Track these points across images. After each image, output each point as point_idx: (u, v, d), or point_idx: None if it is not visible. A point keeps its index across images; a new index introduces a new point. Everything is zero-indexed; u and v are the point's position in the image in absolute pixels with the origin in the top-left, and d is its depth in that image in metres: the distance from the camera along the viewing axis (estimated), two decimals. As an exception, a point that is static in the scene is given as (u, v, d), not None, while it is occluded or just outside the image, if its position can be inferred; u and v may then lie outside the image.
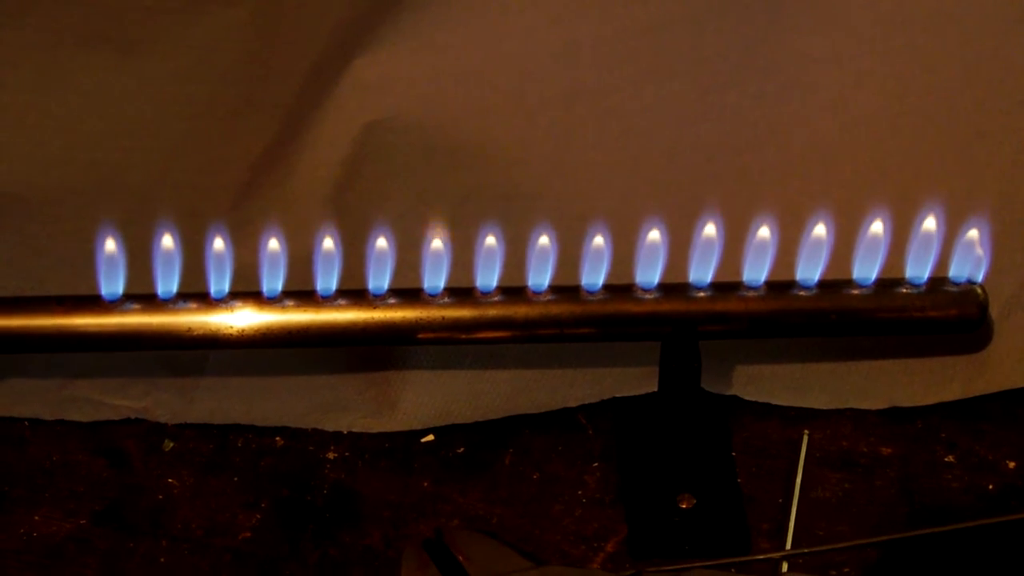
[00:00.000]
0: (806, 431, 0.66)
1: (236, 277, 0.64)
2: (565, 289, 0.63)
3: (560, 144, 0.66)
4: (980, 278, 0.64)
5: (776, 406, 0.67)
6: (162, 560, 0.62)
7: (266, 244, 0.64)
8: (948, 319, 0.63)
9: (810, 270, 0.63)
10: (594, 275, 0.63)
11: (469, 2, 0.64)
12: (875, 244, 0.63)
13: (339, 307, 0.63)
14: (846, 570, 0.61)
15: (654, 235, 0.62)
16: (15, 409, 0.68)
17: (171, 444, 0.67)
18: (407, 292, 0.63)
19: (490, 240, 0.63)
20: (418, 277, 0.64)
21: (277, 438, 0.67)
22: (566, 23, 0.64)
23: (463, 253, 0.64)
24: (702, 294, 0.63)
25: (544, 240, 0.63)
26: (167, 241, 0.63)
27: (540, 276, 0.63)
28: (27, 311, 0.63)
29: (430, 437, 0.67)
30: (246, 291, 0.63)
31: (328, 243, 0.64)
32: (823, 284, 0.63)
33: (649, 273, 0.63)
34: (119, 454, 0.66)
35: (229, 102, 0.65)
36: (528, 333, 0.63)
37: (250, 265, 0.64)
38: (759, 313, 0.63)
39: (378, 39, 0.64)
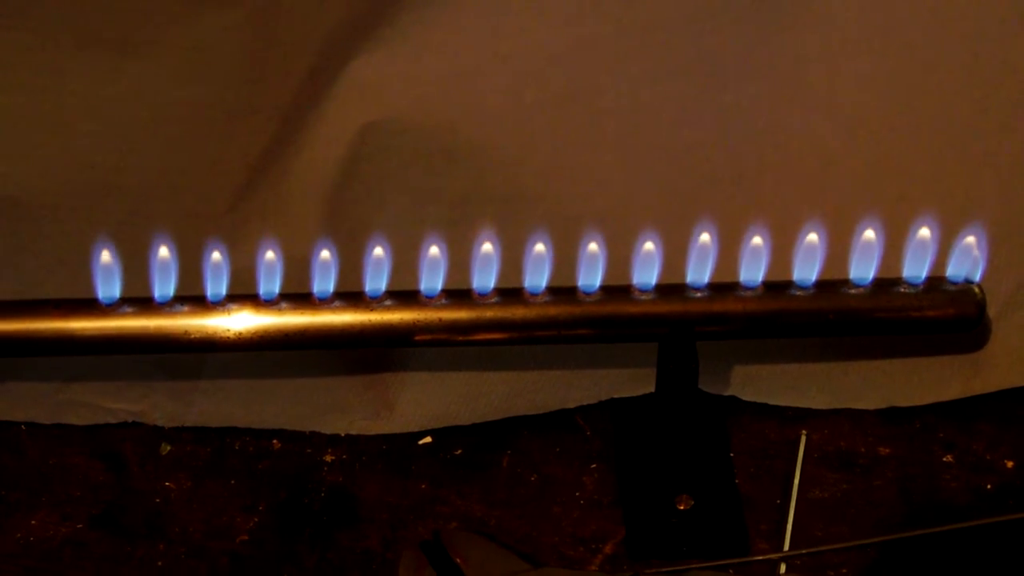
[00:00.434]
0: (804, 431, 0.66)
1: (233, 279, 0.64)
2: (562, 290, 0.63)
3: (557, 145, 0.66)
4: (978, 277, 0.64)
5: (774, 406, 0.67)
6: (159, 564, 0.62)
7: (263, 246, 0.64)
8: (946, 319, 0.63)
9: (807, 270, 0.63)
10: (591, 276, 0.63)
11: (466, 3, 0.64)
12: (873, 244, 0.63)
13: (336, 309, 0.63)
14: (844, 571, 0.61)
15: (651, 240, 0.62)
16: (12, 413, 0.68)
17: (168, 447, 0.67)
18: (404, 294, 0.63)
19: (487, 242, 0.63)
20: (415, 279, 0.63)
21: (274, 441, 0.67)
22: (563, 24, 0.64)
23: (460, 254, 0.63)
24: (699, 295, 0.63)
25: (541, 243, 0.63)
26: (164, 244, 0.63)
27: (537, 278, 0.63)
28: (24, 314, 0.63)
29: (428, 439, 0.67)
30: (243, 294, 0.63)
31: (325, 245, 0.64)
32: (821, 284, 0.63)
33: (646, 274, 0.63)
34: (116, 458, 0.66)
35: (226, 104, 0.65)
36: (525, 335, 0.63)
37: (247, 267, 0.64)
38: (756, 313, 0.63)
39: (375, 40, 0.64)
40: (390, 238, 0.65)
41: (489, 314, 0.63)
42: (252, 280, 0.64)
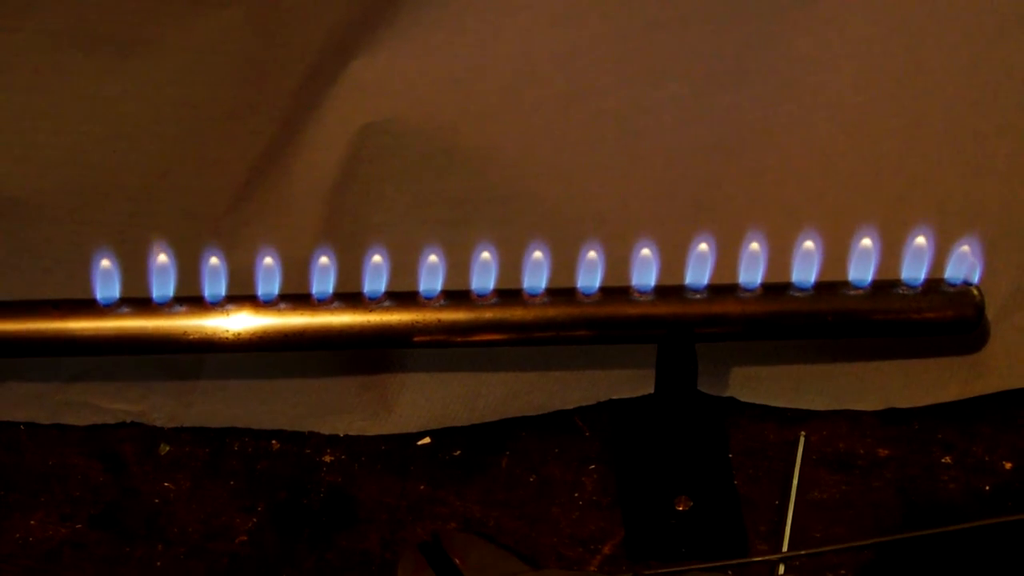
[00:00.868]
0: (803, 433, 0.66)
1: (232, 280, 0.64)
2: (561, 292, 0.63)
3: (557, 146, 0.66)
4: (976, 279, 0.64)
5: (773, 408, 0.67)
6: (158, 564, 0.62)
7: (262, 247, 0.64)
8: (944, 320, 0.63)
9: (806, 272, 0.63)
10: (590, 278, 0.63)
11: (466, 4, 0.64)
12: (871, 245, 0.63)
13: (335, 310, 0.63)
14: (843, 572, 0.61)
15: (650, 241, 0.62)
16: (11, 413, 0.68)
17: (167, 448, 0.67)
18: (403, 295, 0.63)
19: (486, 245, 0.63)
20: (414, 280, 0.63)
21: (273, 441, 0.67)
22: (563, 25, 0.64)
23: (459, 255, 0.64)
24: (698, 296, 0.63)
25: (540, 246, 0.63)
26: (163, 244, 0.63)
27: (536, 279, 0.63)
28: (23, 315, 0.63)
29: (427, 440, 0.67)
30: (242, 295, 0.63)
31: (324, 246, 0.64)
32: (819, 286, 0.63)
33: (645, 276, 0.63)
34: (115, 458, 0.66)
35: (226, 104, 0.65)
36: (524, 336, 0.63)
37: (246, 268, 0.64)
38: (755, 315, 0.63)
39: (375, 41, 0.64)
40: (389, 239, 0.65)
41: (488, 315, 0.63)
42: (251, 281, 0.64)
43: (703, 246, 0.62)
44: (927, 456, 0.65)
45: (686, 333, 0.62)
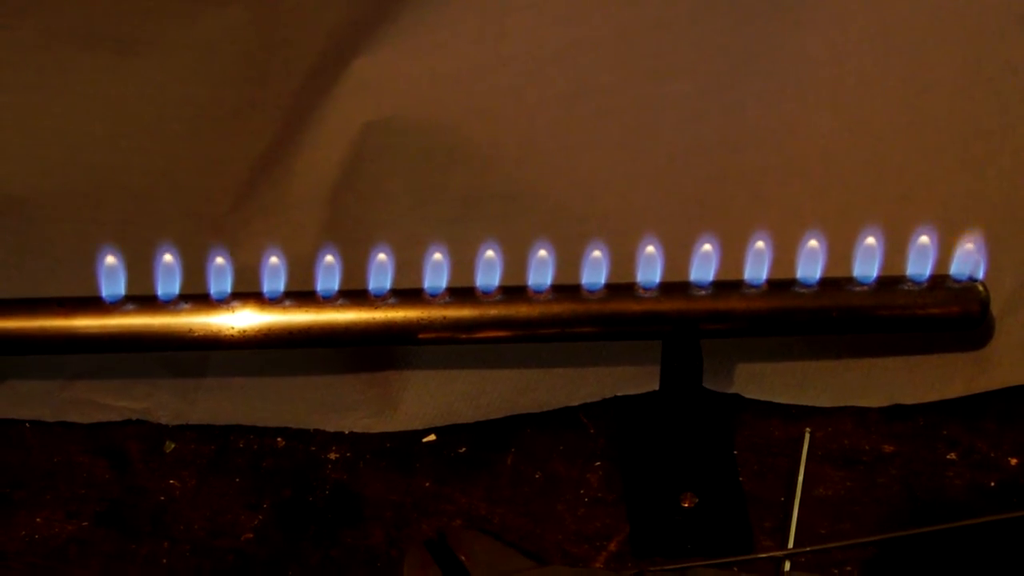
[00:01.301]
0: (808, 429, 0.66)
1: (236, 278, 0.64)
2: (566, 288, 0.63)
3: (560, 144, 0.66)
4: (981, 275, 0.64)
5: (778, 404, 0.67)
6: (164, 561, 0.62)
7: (266, 245, 0.64)
8: (950, 316, 0.63)
9: (811, 269, 0.63)
10: (595, 275, 0.63)
11: (468, 2, 0.64)
12: (876, 242, 0.63)
13: (340, 307, 0.63)
14: (848, 568, 0.61)
15: (655, 238, 0.62)
16: (16, 411, 0.68)
17: (172, 445, 0.67)
18: (408, 292, 0.63)
19: (491, 241, 0.63)
20: (419, 277, 0.63)
21: (278, 439, 0.67)
22: (565, 23, 0.64)
23: (463, 253, 0.63)
24: (703, 292, 0.63)
25: (544, 243, 0.63)
26: (167, 243, 0.63)
27: (541, 275, 0.63)
28: (28, 313, 0.63)
29: (432, 437, 0.67)
30: (247, 292, 0.63)
31: (328, 243, 0.64)
32: (824, 282, 0.63)
33: (650, 272, 0.63)
34: (121, 456, 0.66)
35: (228, 102, 0.65)
36: (529, 332, 0.63)
37: (250, 266, 0.64)
38: (760, 311, 0.63)
39: (377, 39, 0.64)
40: (393, 236, 0.65)
41: (493, 312, 0.63)
42: (255, 279, 0.64)
43: (707, 242, 0.62)
44: (932, 452, 0.65)
45: (691, 329, 0.62)
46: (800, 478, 0.64)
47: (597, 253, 0.63)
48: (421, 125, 0.65)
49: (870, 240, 0.63)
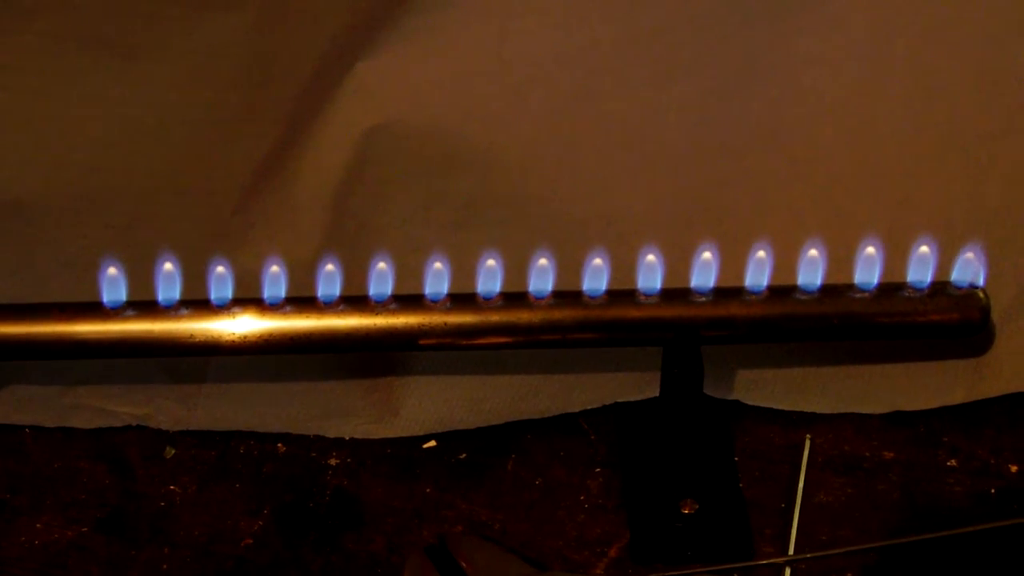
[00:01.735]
0: (808, 436, 0.66)
1: (238, 283, 0.64)
2: (567, 295, 0.63)
3: (563, 148, 0.66)
4: (981, 282, 0.64)
5: (778, 411, 0.67)
6: (164, 567, 0.62)
7: (268, 250, 0.64)
8: (950, 323, 0.63)
9: (812, 275, 0.63)
10: (596, 280, 0.63)
11: (471, 6, 0.64)
12: (876, 248, 0.63)
13: (341, 313, 0.63)
14: (849, 574, 0.61)
15: (656, 244, 0.62)
16: (16, 416, 0.68)
17: (173, 451, 0.67)
18: (409, 298, 0.63)
19: (492, 247, 0.63)
20: (420, 283, 0.63)
21: (279, 444, 0.67)
22: (567, 28, 0.64)
23: (465, 258, 0.64)
24: (704, 299, 0.63)
25: (545, 249, 0.63)
26: (168, 248, 0.63)
27: (542, 281, 0.63)
28: (29, 318, 0.63)
29: (432, 443, 0.67)
30: (248, 297, 0.63)
31: (329, 249, 0.64)
32: (825, 289, 0.63)
33: (651, 278, 0.63)
34: (121, 461, 0.66)
35: (231, 107, 0.65)
36: (530, 339, 0.63)
37: (252, 271, 0.64)
38: (761, 318, 0.63)
39: (380, 44, 0.64)
40: (395, 241, 0.65)
41: (494, 318, 0.63)
42: (257, 284, 0.64)
43: (708, 249, 0.63)
44: (932, 459, 0.65)
45: (692, 336, 0.62)
46: (801, 485, 0.64)
47: (598, 260, 0.63)
48: (423, 130, 0.65)
49: (870, 247, 0.63)
